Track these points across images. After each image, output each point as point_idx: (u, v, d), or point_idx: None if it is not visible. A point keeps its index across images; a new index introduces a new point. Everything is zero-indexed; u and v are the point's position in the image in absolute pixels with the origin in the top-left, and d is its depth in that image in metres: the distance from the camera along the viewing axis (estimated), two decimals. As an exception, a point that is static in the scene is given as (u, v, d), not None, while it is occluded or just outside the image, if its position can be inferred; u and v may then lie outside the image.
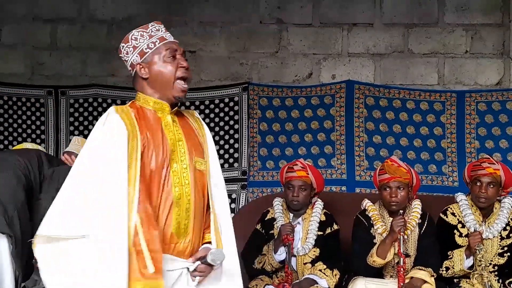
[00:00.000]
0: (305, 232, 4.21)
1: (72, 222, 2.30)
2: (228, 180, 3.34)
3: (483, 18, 5.45)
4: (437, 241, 4.08)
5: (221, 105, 5.47)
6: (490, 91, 5.31)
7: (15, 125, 5.58)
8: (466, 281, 3.98)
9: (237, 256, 2.56)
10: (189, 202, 2.45)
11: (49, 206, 2.97)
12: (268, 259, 4.10)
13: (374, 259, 3.94)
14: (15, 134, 5.57)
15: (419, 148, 5.28)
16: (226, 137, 5.40)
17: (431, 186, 5.20)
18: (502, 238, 4.06)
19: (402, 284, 3.85)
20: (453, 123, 5.28)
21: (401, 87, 5.42)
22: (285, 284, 3.97)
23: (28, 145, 4.07)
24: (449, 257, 4.00)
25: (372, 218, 4.13)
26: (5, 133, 5.57)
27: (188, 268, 2.45)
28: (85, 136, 5.32)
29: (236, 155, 5.40)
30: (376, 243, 4.03)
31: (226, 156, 5.36)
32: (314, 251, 4.16)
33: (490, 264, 4.02)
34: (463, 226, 4.09)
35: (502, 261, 4.04)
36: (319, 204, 4.29)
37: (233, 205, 5.29)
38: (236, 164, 5.38)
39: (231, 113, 5.46)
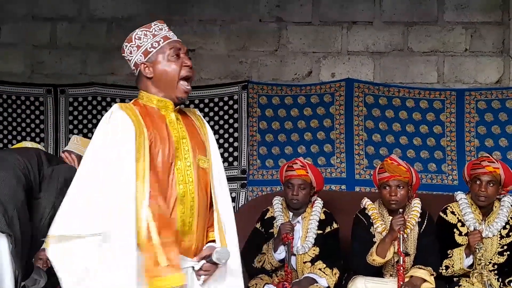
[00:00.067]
0: (305, 231, 4.21)
1: (83, 220, 2.31)
2: (227, 179, 3.32)
3: (483, 16, 5.45)
4: (437, 240, 4.08)
5: (221, 103, 5.47)
6: (490, 90, 5.31)
7: (14, 124, 5.57)
8: (466, 280, 3.98)
9: (239, 254, 2.57)
10: (193, 200, 2.46)
11: (49, 205, 3.00)
12: (268, 258, 4.10)
13: (374, 258, 3.94)
14: (14, 133, 5.57)
15: (418, 146, 5.28)
16: (226, 135, 5.41)
17: (431, 185, 5.20)
18: (501, 237, 4.06)
19: (401, 283, 3.85)
20: (452, 121, 5.28)
21: (400, 85, 5.42)
22: (285, 283, 3.97)
23: (27, 144, 4.07)
24: (449, 256, 4.00)
25: (371, 217, 4.13)
26: (4, 132, 5.57)
27: (193, 267, 2.45)
28: (85, 135, 5.34)
29: (235, 153, 5.40)
30: (375, 242, 4.03)
31: (226, 154, 5.36)
32: (314, 250, 4.16)
33: (490, 263, 4.02)
34: (463, 225, 4.09)
35: (501, 259, 4.04)
36: (318, 203, 4.30)
37: (232, 204, 5.28)
38: (235, 163, 5.38)
39: (231, 111, 5.46)
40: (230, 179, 5.23)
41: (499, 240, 4.06)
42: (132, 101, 2.57)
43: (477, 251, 3.89)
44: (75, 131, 5.49)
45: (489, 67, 5.43)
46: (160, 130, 2.47)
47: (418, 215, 4.10)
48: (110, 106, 5.45)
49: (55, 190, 3.04)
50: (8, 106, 5.58)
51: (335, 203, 4.58)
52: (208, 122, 2.74)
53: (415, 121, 5.31)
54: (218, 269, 2.47)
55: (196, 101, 5.42)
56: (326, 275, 4.05)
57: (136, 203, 2.32)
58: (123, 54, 2.58)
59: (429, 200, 4.40)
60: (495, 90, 5.30)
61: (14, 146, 4.55)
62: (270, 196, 4.58)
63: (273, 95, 5.44)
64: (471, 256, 3.95)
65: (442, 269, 4.01)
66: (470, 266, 3.98)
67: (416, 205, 4.13)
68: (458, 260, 3.96)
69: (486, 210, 4.11)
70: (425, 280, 3.92)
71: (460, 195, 4.17)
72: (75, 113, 5.55)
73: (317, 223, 4.21)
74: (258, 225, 4.34)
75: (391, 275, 4.05)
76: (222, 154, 5.29)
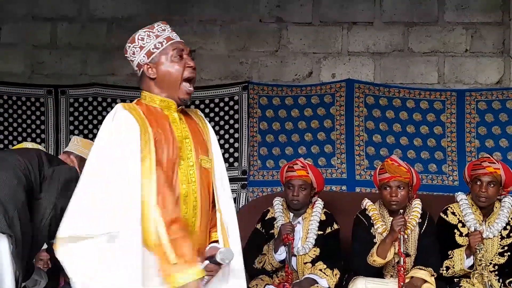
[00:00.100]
0: (305, 231, 4.21)
1: (90, 220, 2.31)
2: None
3: (483, 17, 5.45)
4: (437, 240, 4.08)
5: (221, 104, 5.47)
6: (490, 90, 5.31)
7: (15, 125, 5.57)
8: (466, 281, 3.98)
9: (242, 255, 2.57)
10: (196, 200, 2.47)
11: (49, 206, 2.99)
12: (268, 259, 4.10)
13: (374, 259, 3.94)
14: (15, 134, 5.57)
15: (419, 147, 5.27)
16: (226, 136, 5.40)
17: (431, 186, 5.20)
18: (502, 238, 4.06)
19: (402, 283, 3.85)
20: (453, 122, 5.28)
21: (401, 86, 5.42)
22: (285, 283, 3.97)
23: (28, 144, 4.07)
24: (449, 256, 4.00)
25: (372, 218, 4.13)
26: (5, 133, 5.57)
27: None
28: (85, 136, 5.34)
29: (236, 154, 5.39)
30: (376, 242, 4.03)
31: (226, 155, 5.36)
32: (314, 251, 4.16)
33: (490, 263, 4.02)
34: (463, 226, 4.09)
35: (502, 260, 4.04)
36: (319, 204, 4.30)
37: (233, 205, 5.29)
38: (236, 164, 5.38)
39: (231, 112, 5.45)
40: (230, 180, 5.15)
41: (500, 241, 4.06)
42: (135, 101, 2.57)
43: (478, 252, 3.89)
44: (76, 131, 5.49)
45: (489, 67, 5.42)
46: (164, 129, 2.48)
47: (419, 215, 4.10)
48: (111, 106, 5.46)
49: (55, 191, 3.04)
50: (9, 107, 5.57)
51: (336, 203, 4.58)
52: (209, 122, 2.74)
53: (416, 122, 5.31)
54: (221, 270, 2.47)
55: (197, 102, 5.42)
56: (327, 275, 4.05)
57: (143, 202, 2.32)
58: (125, 55, 2.58)
59: (429, 200, 4.40)
60: (496, 90, 5.30)
61: (14, 147, 4.56)
62: (271, 197, 4.58)
63: (274, 96, 5.44)
64: (472, 257, 3.95)
65: (443, 270, 4.01)
66: (471, 267, 3.98)
67: (416, 205, 4.13)
68: (458, 260, 3.96)
69: (486, 210, 4.11)
70: (425, 281, 3.92)
71: (460, 196, 4.17)
72: (76, 113, 5.55)
73: (317, 224, 4.21)
74: (258, 226, 4.34)
75: (391, 276, 4.05)
76: (222, 155, 5.29)
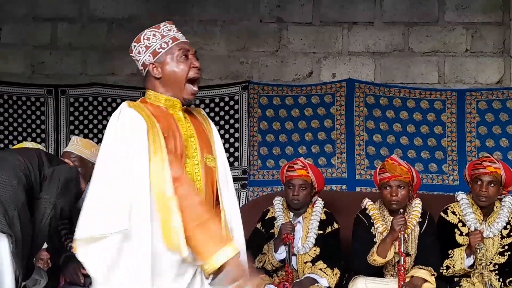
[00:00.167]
0: (306, 231, 4.20)
1: (106, 220, 2.32)
2: (228, 179, 3.40)
3: (483, 17, 5.45)
4: (438, 240, 4.08)
5: (221, 104, 5.47)
6: (491, 90, 5.31)
7: (15, 124, 5.58)
8: (467, 280, 3.98)
9: (246, 253, 2.58)
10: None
11: (49, 206, 3.00)
12: (269, 258, 4.10)
13: (375, 258, 3.94)
14: (15, 133, 5.57)
15: (419, 147, 5.27)
16: (226, 136, 5.40)
17: (432, 185, 5.20)
18: (502, 237, 4.06)
19: (402, 283, 3.85)
20: (453, 121, 5.28)
21: (401, 85, 5.42)
22: (286, 283, 3.97)
23: (28, 144, 4.07)
24: (450, 256, 4.00)
25: (372, 217, 4.13)
26: (5, 132, 5.57)
27: (202, 266, 2.46)
28: (86, 135, 5.35)
29: (236, 154, 5.40)
30: (376, 242, 4.03)
31: (227, 155, 5.29)
32: (315, 250, 4.15)
33: (491, 263, 4.02)
34: (464, 225, 4.09)
35: (502, 260, 4.04)
36: (319, 203, 4.29)
37: (234, 204, 5.29)
38: (236, 163, 5.38)
39: (231, 112, 5.45)
40: (230, 180, 5.26)
41: (500, 240, 4.05)
42: (139, 100, 2.58)
43: (478, 251, 3.89)
44: (76, 131, 5.49)
45: (489, 67, 5.42)
46: (170, 127, 2.49)
47: (419, 215, 4.09)
48: (111, 106, 5.47)
49: (55, 190, 3.04)
50: (9, 107, 5.58)
51: (336, 203, 4.58)
52: (209, 122, 2.76)
53: (416, 122, 5.31)
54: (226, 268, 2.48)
55: (197, 101, 5.42)
56: (327, 275, 4.05)
57: (159, 194, 2.34)
58: (131, 54, 2.59)
59: (430, 200, 4.40)
60: (496, 90, 5.30)
61: (15, 147, 4.55)
62: (271, 197, 4.58)
63: (274, 96, 5.44)
64: (472, 256, 3.95)
65: (443, 269, 4.00)
66: (471, 266, 3.98)
67: (417, 205, 4.13)
68: (459, 260, 3.96)
69: (487, 210, 4.11)
70: (425, 280, 3.91)
71: (461, 195, 4.17)
72: (76, 113, 5.56)
73: (317, 223, 4.21)
74: (258, 225, 4.34)
75: (392, 275, 4.05)
76: (223, 154, 5.30)
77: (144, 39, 2.54)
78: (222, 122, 5.43)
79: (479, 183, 4.05)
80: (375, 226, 4.10)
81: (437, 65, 5.47)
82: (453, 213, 4.14)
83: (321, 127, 5.36)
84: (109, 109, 5.50)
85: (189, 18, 5.58)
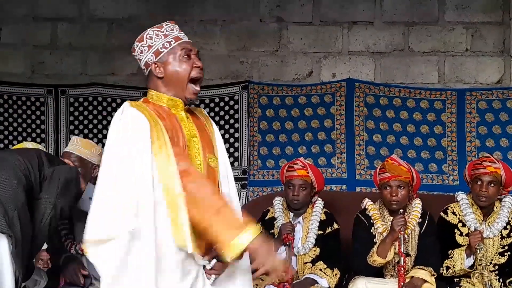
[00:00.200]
0: (306, 231, 4.20)
1: (109, 222, 2.32)
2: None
3: (483, 16, 5.44)
4: (438, 240, 4.07)
5: (221, 103, 5.47)
6: (491, 90, 5.31)
7: (15, 124, 5.58)
8: (467, 281, 3.97)
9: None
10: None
11: (49, 206, 3.00)
12: (269, 259, 4.10)
13: (375, 259, 3.94)
14: (15, 133, 5.57)
15: (419, 146, 5.27)
16: (226, 136, 5.40)
17: (432, 185, 5.20)
18: (502, 237, 4.06)
19: (402, 283, 3.85)
20: (453, 121, 5.27)
21: (401, 85, 5.42)
22: (286, 283, 3.97)
23: (28, 144, 4.07)
24: (450, 256, 4.00)
25: (372, 217, 4.13)
26: (5, 132, 5.57)
27: (204, 266, 2.46)
28: (85, 135, 5.35)
29: (236, 154, 5.39)
30: (376, 242, 4.03)
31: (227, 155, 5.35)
32: (315, 251, 4.15)
33: (491, 263, 4.02)
34: (464, 225, 4.09)
35: (502, 260, 4.04)
36: (319, 203, 4.29)
37: (234, 204, 5.29)
38: (236, 163, 5.37)
39: (231, 111, 5.45)
40: (230, 180, 5.25)
41: (500, 241, 4.05)
42: (141, 99, 2.58)
43: (478, 252, 3.88)
44: (76, 131, 5.49)
45: (490, 67, 5.42)
46: (174, 126, 2.49)
47: (419, 215, 4.09)
48: (111, 106, 5.47)
49: (55, 191, 3.04)
50: (9, 107, 5.58)
51: (336, 203, 4.57)
52: (209, 122, 2.76)
53: (416, 121, 5.30)
54: (228, 268, 2.48)
55: (197, 101, 5.42)
56: (327, 275, 4.05)
57: (167, 190, 2.34)
58: (133, 53, 2.59)
59: (430, 200, 4.40)
60: (496, 90, 5.30)
61: (15, 147, 4.56)
62: (271, 197, 4.58)
63: (274, 95, 5.44)
64: (472, 257, 3.95)
65: (443, 270, 4.00)
66: (471, 267, 3.97)
67: (416, 205, 4.13)
68: (458, 260, 3.96)
69: (487, 210, 4.11)
70: (425, 281, 3.91)
71: (461, 196, 4.17)
72: (76, 113, 5.56)
73: (317, 224, 4.21)
74: (258, 226, 4.33)
75: (391, 276, 4.05)
76: (223, 155, 5.30)
77: (146, 38, 2.54)
78: (222, 122, 5.42)
79: (479, 183, 4.05)
80: (375, 226, 4.10)
81: (437, 64, 5.47)
82: (453, 213, 4.14)
83: (321, 127, 5.36)
84: (109, 109, 5.50)
85: (189, 18, 5.58)
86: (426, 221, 4.10)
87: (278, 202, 4.33)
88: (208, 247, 2.47)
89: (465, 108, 5.28)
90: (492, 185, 4.04)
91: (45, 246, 3.72)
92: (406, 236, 3.94)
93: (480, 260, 3.89)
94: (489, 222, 4.08)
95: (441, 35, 5.48)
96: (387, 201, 4.10)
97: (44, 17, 5.71)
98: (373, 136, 5.31)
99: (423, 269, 3.94)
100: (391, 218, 4.04)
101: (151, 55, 2.52)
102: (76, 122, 5.55)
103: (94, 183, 3.71)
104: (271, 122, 5.41)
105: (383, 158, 4.93)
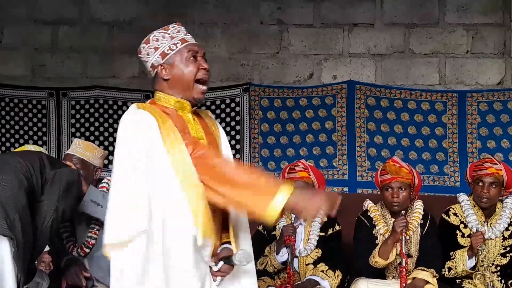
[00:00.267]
0: (307, 233, 4.20)
1: (124, 225, 2.32)
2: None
3: (484, 18, 5.45)
4: (439, 241, 4.07)
5: (222, 106, 5.48)
6: (492, 91, 5.31)
7: (16, 127, 5.58)
8: (469, 282, 3.97)
9: (253, 255, 2.58)
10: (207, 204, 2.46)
11: (51, 208, 3.00)
12: (270, 260, 4.10)
13: (376, 260, 3.94)
14: (16, 136, 5.58)
15: (420, 148, 5.27)
16: (228, 138, 5.39)
17: (433, 187, 5.20)
18: (504, 238, 4.05)
19: (404, 284, 3.85)
20: (454, 123, 5.28)
21: (402, 87, 5.42)
22: (287, 285, 3.96)
23: (30, 147, 4.07)
24: (451, 257, 4.00)
25: (374, 219, 4.13)
26: (6, 135, 5.58)
27: (210, 268, 2.47)
28: (87, 138, 5.35)
29: (237, 156, 5.40)
30: (378, 243, 4.03)
31: (228, 157, 5.36)
32: (316, 252, 4.15)
33: (493, 264, 4.02)
34: (465, 227, 4.09)
35: (504, 261, 4.03)
36: (320, 205, 4.28)
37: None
38: (237, 165, 5.37)
39: (232, 114, 5.46)
40: (232, 182, 5.25)
41: (502, 242, 4.05)
42: (148, 101, 2.58)
43: (480, 253, 3.88)
44: (77, 134, 5.49)
45: (490, 68, 5.43)
46: (182, 127, 2.49)
47: (421, 216, 4.09)
48: (112, 109, 5.47)
49: (57, 193, 3.04)
50: (11, 110, 5.58)
51: (337, 205, 4.56)
52: (211, 124, 2.76)
53: (417, 123, 5.31)
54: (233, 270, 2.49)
55: (204, 102, 5.43)
56: (329, 277, 4.04)
57: (188, 186, 2.35)
58: (139, 55, 2.59)
59: (431, 201, 4.40)
60: (497, 91, 5.30)
61: (16, 150, 4.56)
62: (272, 198, 4.57)
63: (275, 98, 5.45)
64: (474, 258, 3.94)
65: (445, 271, 4.00)
66: (473, 268, 3.97)
67: (418, 206, 4.12)
68: (460, 261, 3.96)
69: (488, 211, 4.11)
70: (427, 282, 3.91)
71: (462, 197, 4.16)
72: (77, 116, 5.56)
73: (319, 225, 4.21)
74: (260, 228, 4.33)
75: (393, 277, 4.04)
76: (224, 157, 5.30)
77: (153, 40, 2.54)
78: (223, 124, 5.43)
79: (480, 184, 4.05)
80: (377, 228, 4.10)
81: (438, 66, 5.47)
82: (455, 214, 4.13)
83: (322, 128, 5.36)
84: (110, 111, 5.51)
85: (190, 20, 5.57)
86: (428, 223, 4.10)
87: (279, 204, 4.32)
88: (216, 248, 2.48)
89: (466, 110, 5.28)
90: (494, 186, 4.04)
91: (46, 248, 3.72)
92: (407, 237, 3.94)
93: (482, 261, 3.89)
94: (490, 223, 4.08)
95: (442, 36, 5.48)
96: (388, 203, 4.10)
97: (45, 20, 5.72)
98: (374, 137, 5.32)
99: (424, 270, 3.94)
100: (393, 219, 4.04)
101: (158, 57, 2.52)
102: (78, 125, 5.56)
103: (96, 186, 3.74)
104: (272, 124, 5.42)
105: (384, 159, 4.93)
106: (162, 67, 2.52)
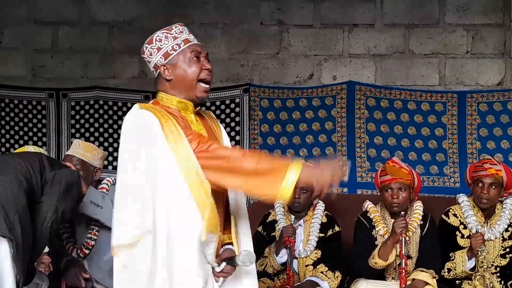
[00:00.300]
0: (307, 234, 4.20)
1: (129, 225, 2.34)
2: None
3: (484, 18, 5.45)
4: (439, 242, 4.07)
5: (222, 106, 5.48)
6: (491, 92, 5.31)
7: (16, 128, 5.59)
8: (468, 283, 3.97)
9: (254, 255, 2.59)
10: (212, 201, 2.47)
11: (51, 209, 3.00)
12: (270, 262, 4.10)
13: (376, 261, 3.93)
14: (16, 137, 5.58)
15: (420, 149, 5.27)
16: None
17: (433, 187, 5.20)
18: (504, 239, 4.05)
19: (403, 286, 3.84)
20: (454, 123, 5.28)
21: (402, 88, 5.42)
22: (287, 286, 3.96)
23: (30, 148, 4.07)
24: (451, 258, 3.99)
25: (373, 220, 4.12)
26: (6, 136, 5.58)
27: (213, 268, 2.48)
28: (87, 139, 5.35)
29: (237, 156, 5.39)
30: (377, 244, 4.03)
31: (228, 157, 5.36)
32: (316, 253, 4.15)
33: (492, 265, 4.01)
34: (465, 227, 4.08)
35: (504, 262, 4.03)
36: (320, 206, 4.29)
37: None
38: (237, 166, 5.37)
39: (232, 114, 5.46)
40: (232, 182, 5.25)
41: (501, 243, 4.05)
42: (151, 101, 2.59)
43: (479, 254, 3.88)
44: (77, 135, 5.50)
45: (490, 69, 5.43)
46: (185, 124, 2.50)
47: (420, 217, 4.09)
48: (112, 109, 5.47)
49: (57, 194, 3.04)
50: (10, 110, 5.59)
51: (337, 206, 4.56)
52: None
53: (417, 124, 5.31)
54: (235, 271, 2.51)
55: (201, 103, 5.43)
56: (328, 278, 4.04)
57: (195, 182, 2.36)
58: (142, 56, 2.59)
59: (431, 202, 4.39)
60: (497, 92, 5.30)
61: (16, 150, 4.56)
62: (272, 199, 4.57)
63: (275, 98, 5.45)
64: (473, 259, 3.94)
65: (444, 272, 4.00)
66: (472, 269, 3.97)
67: (418, 207, 4.12)
68: (460, 262, 3.95)
69: (488, 212, 4.10)
70: (427, 283, 3.91)
71: (462, 198, 4.16)
72: (77, 117, 5.56)
73: (319, 226, 4.20)
74: (260, 229, 4.33)
75: (393, 278, 4.04)
76: (224, 157, 5.30)
77: (156, 40, 2.54)
78: (223, 125, 5.37)
79: (480, 185, 4.05)
80: (377, 229, 4.10)
81: (438, 67, 5.47)
82: (454, 215, 4.13)
83: (322, 129, 5.36)
84: (110, 112, 5.51)
85: (190, 20, 5.57)
86: (427, 223, 4.10)
87: (279, 205, 4.33)
88: (220, 247, 2.49)
89: (466, 110, 5.28)
90: (494, 187, 4.03)
91: (46, 249, 3.73)
92: (407, 238, 3.93)
93: (482, 262, 3.89)
94: (490, 224, 4.08)
95: (442, 37, 5.48)
96: (388, 204, 4.09)
97: (45, 21, 5.72)
98: (374, 138, 5.32)
99: (424, 271, 3.94)
100: (392, 220, 4.04)
101: (161, 57, 2.53)
102: (78, 126, 5.56)
103: (96, 187, 3.74)
104: (272, 125, 5.42)
105: (384, 160, 4.92)
106: (165, 67, 2.53)
